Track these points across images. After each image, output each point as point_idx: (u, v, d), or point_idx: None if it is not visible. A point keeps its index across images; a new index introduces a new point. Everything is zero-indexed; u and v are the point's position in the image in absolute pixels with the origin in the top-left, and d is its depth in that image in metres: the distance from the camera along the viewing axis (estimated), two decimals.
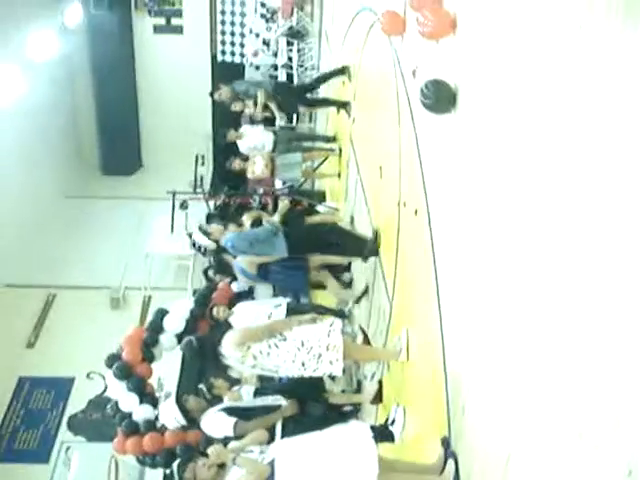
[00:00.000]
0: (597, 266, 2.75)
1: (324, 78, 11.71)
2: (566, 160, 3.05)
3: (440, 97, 4.77)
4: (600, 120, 2.75)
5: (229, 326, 7.98)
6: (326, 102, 12.07)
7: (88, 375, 12.23)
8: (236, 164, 10.64)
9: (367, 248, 7.61)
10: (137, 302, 16.13)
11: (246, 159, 10.61)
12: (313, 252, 7.89)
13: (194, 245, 10.61)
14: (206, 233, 8.63)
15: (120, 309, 15.99)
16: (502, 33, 3.94)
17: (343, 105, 10.65)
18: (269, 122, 11.79)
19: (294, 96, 11.55)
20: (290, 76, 15.84)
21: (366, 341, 7.05)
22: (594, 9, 2.82)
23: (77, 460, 11.46)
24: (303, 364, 5.27)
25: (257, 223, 8.35)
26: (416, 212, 5.73)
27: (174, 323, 8.35)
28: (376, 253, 7.51)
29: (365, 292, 8.06)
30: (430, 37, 5.03)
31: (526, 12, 3.58)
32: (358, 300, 8.20)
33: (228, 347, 5.40)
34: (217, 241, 8.32)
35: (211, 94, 11.69)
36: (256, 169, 10.29)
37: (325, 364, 5.26)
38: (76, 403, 13.64)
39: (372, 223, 7.91)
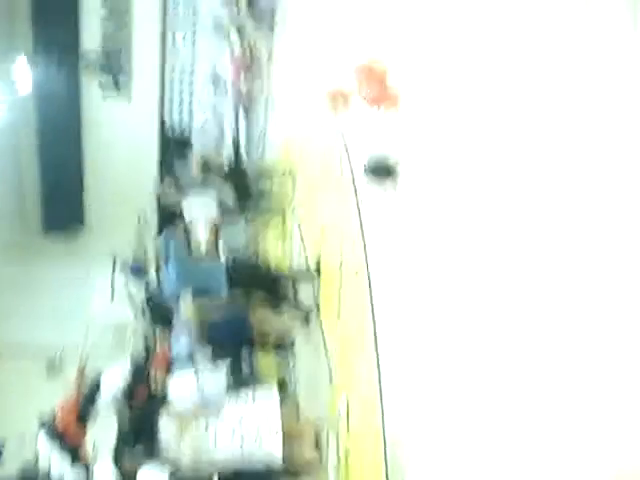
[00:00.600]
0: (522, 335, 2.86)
1: None
2: (499, 229, 3.19)
3: (380, 168, 4.95)
4: (527, 186, 2.91)
5: (164, 399, 7.96)
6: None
7: (20, 438, 11.87)
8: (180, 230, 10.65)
9: (308, 275, 7.77)
10: (74, 367, 15.74)
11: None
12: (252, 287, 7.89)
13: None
14: None
15: (56, 372, 15.62)
16: (443, 109, 4.13)
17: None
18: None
19: None
20: (237, 142, 16.01)
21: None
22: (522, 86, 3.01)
23: None
24: (241, 446, 5.25)
25: None
26: (357, 273, 5.83)
27: (111, 387, 8.21)
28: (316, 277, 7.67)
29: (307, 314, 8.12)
30: (373, 107, 5.19)
31: (466, 85, 3.78)
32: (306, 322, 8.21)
33: (165, 434, 5.32)
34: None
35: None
36: (200, 236, 10.28)
37: (265, 445, 5.24)
38: (7, 467, 13.17)
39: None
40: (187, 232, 9.83)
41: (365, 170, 5.07)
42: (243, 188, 12.22)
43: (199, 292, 7.35)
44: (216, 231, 10.63)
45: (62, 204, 20.79)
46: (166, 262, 7.51)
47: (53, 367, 15.81)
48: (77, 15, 19.62)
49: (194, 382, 7.98)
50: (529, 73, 3.04)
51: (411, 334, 4.45)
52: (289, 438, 5.34)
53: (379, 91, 5.03)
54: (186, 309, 7.86)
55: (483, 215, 3.38)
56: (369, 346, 5.26)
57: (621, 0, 2.26)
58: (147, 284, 10.21)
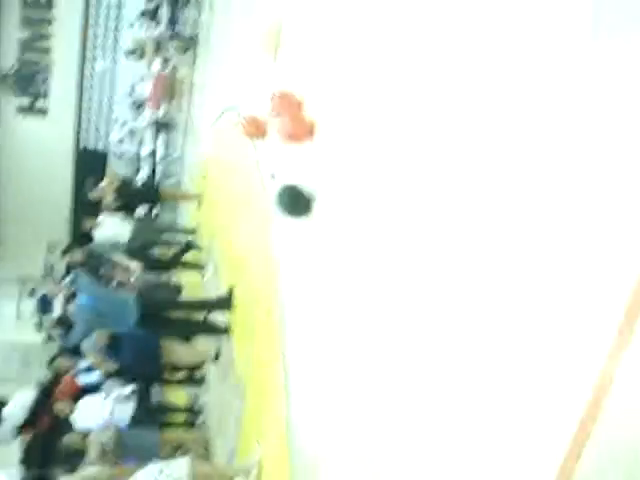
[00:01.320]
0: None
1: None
2: (419, 261, 3.18)
3: (294, 202, 4.90)
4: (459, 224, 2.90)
5: (69, 426, 7.70)
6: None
7: None
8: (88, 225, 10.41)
9: (223, 302, 7.66)
10: None
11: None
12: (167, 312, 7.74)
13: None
14: None
15: None
16: (359, 143, 4.11)
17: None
18: (130, 211, 11.61)
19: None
20: (154, 167, 15.83)
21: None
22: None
23: None
24: None
25: None
26: (269, 312, 5.76)
27: (14, 414, 7.94)
28: (229, 307, 7.55)
29: (216, 357, 7.98)
30: (289, 141, 5.17)
31: (380, 122, 3.78)
32: (216, 358, 8.06)
33: None
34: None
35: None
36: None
37: None
38: None
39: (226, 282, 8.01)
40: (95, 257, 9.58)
41: (278, 200, 5.01)
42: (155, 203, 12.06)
43: (109, 322, 7.13)
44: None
45: None
46: (74, 294, 7.28)
47: None
48: None
49: (102, 411, 7.78)
50: (454, 101, 3.04)
51: (325, 379, 4.40)
52: None
53: (295, 122, 5.00)
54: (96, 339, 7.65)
55: (401, 247, 3.36)
56: (279, 388, 5.20)
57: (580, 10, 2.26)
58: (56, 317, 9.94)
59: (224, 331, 7.64)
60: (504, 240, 2.55)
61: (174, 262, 11.14)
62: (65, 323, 8.95)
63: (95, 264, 9.33)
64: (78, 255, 9.41)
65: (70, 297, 7.25)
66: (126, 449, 7.55)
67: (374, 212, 3.78)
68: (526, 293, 2.40)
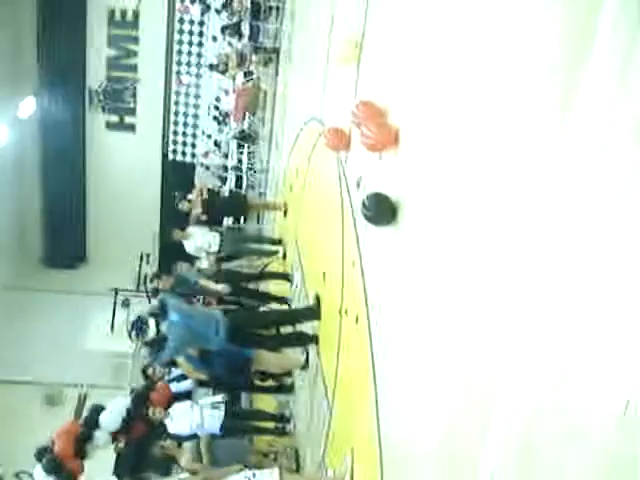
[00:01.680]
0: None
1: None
2: (504, 270, 3.16)
3: (380, 210, 4.91)
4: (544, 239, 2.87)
5: (162, 432, 7.89)
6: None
7: (17, 475, 11.75)
8: (183, 268, 10.62)
9: (311, 312, 7.72)
10: (72, 399, 15.73)
11: (192, 263, 10.62)
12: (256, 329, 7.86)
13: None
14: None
15: (55, 406, 15.56)
16: (443, 150, 4.10)
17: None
18: (216, 224, 11.86)
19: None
20: (239, 178, 16.11)
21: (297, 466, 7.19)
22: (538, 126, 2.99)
23: None
24: None
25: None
26: (357, 320, 5.79)
27: (110, 420, 8.17)
28: (317, 317, 7.60)
29: (306, 359, 8.06)
30: (373, 150, 5.19)
31: (465, 129, 3.76)
32: (304, 367, 8.13)
33: None
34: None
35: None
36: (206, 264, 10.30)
37: None
38: None
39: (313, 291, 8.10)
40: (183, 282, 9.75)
41: (364, 208, 5.03)
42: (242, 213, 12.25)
43: (200, 338, 7.27)
44: (219, 264, 10.61)
45: (64, 241, 20.91)
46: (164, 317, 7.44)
47: (52, 401, 15.73)
48: (84, 54, 19.78)
49: (194, 418, 7.96)
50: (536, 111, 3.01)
51: (410, 384, 4.40)
52: None
53: (379, 129, 5.00)
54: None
55: (487, 257, 3.34)
56: (368, 394, 5.21)
57: None
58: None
59: (312, 340, 7.71)
60: (590, 240, 2.52)
61: (261, 276, 11.34)
62: (157, 343, 9.20)
63: (183, 289, 9.49)
64: (166, 282, 9.59)
65: (160, 317, 7.43)
66: (217, 456, 7.71)
67: (460, 218, 3.76)
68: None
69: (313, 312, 7.70)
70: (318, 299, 7.72)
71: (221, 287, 9.68)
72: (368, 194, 5.01)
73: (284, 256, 11.13)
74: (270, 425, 9.26)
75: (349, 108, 5.66)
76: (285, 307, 9.72)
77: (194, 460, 7.77)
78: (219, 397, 8.46)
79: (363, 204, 5.01)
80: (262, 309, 9.98)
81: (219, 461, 7.73)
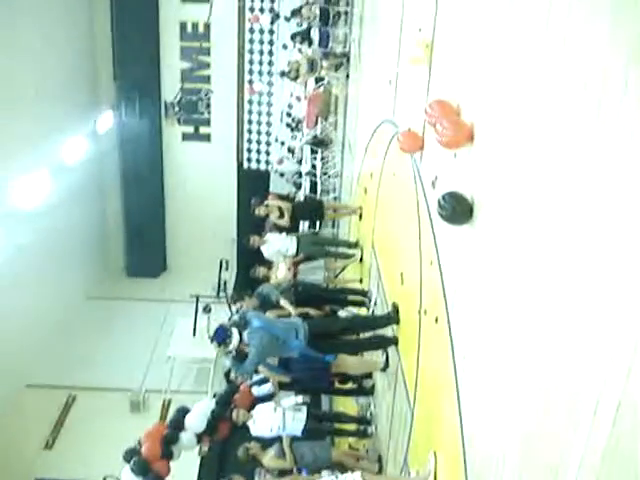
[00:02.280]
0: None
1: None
2: (581, 269, 3.13)
3: (457, 209, 4.90)
4: (616, 230, 2.84)
5: (245, 435, 8.03)
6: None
7: (104, 479, 12.07)
8: (260, 272, 10.78)
9: (389, 319, 7.74)
10: (157, 405, 16.08)
11: (270, 267, 10.73)
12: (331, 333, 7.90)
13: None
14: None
15: (140, 412, 15.93)
16: (519, 146, 4.08)
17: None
18: (292, 229, 11.97)
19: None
20: (314, 184, 16.21)
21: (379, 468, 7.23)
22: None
23: None
24: None
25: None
26: (437, 320, 5.78)
27: (195, 422, 8.35)
28: (397, 322, 7.62)
29: (386, 360, 8.09)
30: (448, 146, 5.17)
31: (541, 123, 3.74)
32: (385, 367, 8.16)
33: None
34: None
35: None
36: (279, 274, 10.40)
37: None
38: None
39: (389, 299, 8.11)
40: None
41: (440, 209, 5.03)
42: (319, 218, 12.32)
43: (281, 345, 7.34)
44: (295, 267, 10.70)
45: (146, 251, 21.41)
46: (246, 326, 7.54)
47: (137, 407, 16.09)
48: (158, 68, 20.22)
49: (276, 420, 8.06)
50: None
51: (493, 384, 4.37)
52: None
53: (453, 126, 4.99)
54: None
55: (567, 255, 3.31)
56: (450, 394, 5.20)
57: None
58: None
59: (392, 342, 7.72)
60: None
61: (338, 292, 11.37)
62: (240, 354, 9.32)
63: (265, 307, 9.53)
64: (249, 302, 9.62)
65: (242, 327, 7.54)
66: (300, 456, 7.79)
67: (535, 215, 3.73)
68: None
69: (391, 318, 7.71)
70: (396, 307, 7.71)
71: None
72: (444, 193, 5.01)
73: (361, 259, 11.16)
74: (352, 427, 9.30)
75: (422, 109, 5.66)
76: (364, 313, 9.74)
77: (278, 463, 7.87)
78: (300, 399, 8.54)
79: (439, 203, 5.01)
80: (342, 315, 10.00)
81: (302, 461, 7.81)
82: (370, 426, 8.88)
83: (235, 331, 7.14)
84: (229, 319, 10.40)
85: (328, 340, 7.65)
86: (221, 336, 7.27)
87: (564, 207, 3.39)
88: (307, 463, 7.66)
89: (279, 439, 8.05)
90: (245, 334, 7.12)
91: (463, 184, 5.07)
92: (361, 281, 11.11)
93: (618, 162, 2.87)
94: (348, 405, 10.15)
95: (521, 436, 3.82)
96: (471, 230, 4.94)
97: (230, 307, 12.37)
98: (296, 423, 8.15)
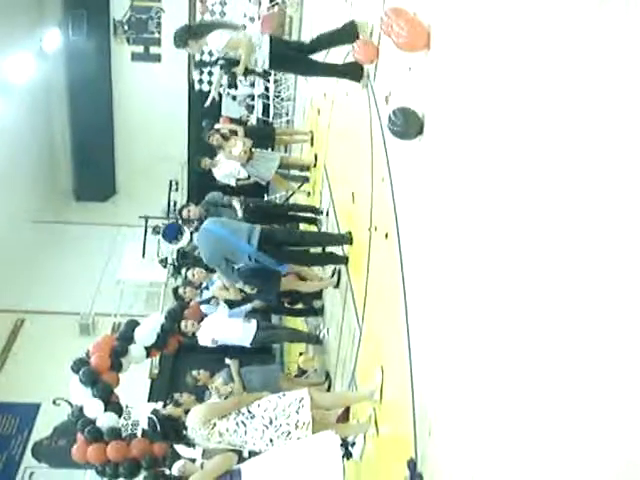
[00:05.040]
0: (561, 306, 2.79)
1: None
2: (533, 185, 3.10)
3: (407, 124, 4.84)
4: (577, 145, 2.80)
5: (195, 351, 8.02)
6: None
7: (54, 402, 12.04)
8: (207, 163, 10.52)
9: (344, 237, 7.68)
10: (107, 329, 15.99)
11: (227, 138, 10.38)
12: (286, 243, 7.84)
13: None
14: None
15: (89, 335, 15.82)
16: (475, 56, 4.00)
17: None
18: None
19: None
20: (266, 106, 15.96)
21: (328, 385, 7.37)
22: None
23: None
24: (271, 440, 5.13)
25: None
26: (386, 236, 5.77)
27: (145, 335, 8.36)
28: (350, 242, 7.53)
29: (338, 278, 8.10)
30: (404, 47, 5.01)
31: (498, 36, 3.65)
32: (337, 284, 8.17)
33: (193, 424, 5.26)
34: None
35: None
36: (234, 151, 10.11)
37: (294, 441, 5.09)
38: (41, 429, 13.43)
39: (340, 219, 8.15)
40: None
41: (390, 124, 4.96)
42: (270, 144, 12.13)
43: (232, 245, 7.23)
44: (251, 153, 10.34)
45: (94, 174, 20.99)
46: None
47: (87, 329, 16.03)
48: None
49: (224, 328, 8.06)
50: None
51: (440, 298, 4.39)
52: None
53: (410, 25, 4.82)
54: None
55: (519, 171, 3.28)
56: (398, 308, 5.22)
57: None
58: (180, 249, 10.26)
59: (343, 261, 7.71)
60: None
61: (289, 208, 11.29)
62: (187, 257, 9.24)
63: (214, 214, 9.39)
64: (196, 211, 9.50)
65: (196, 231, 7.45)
66: (248, 382, 7.83)
67: (485, 130, 3.68)
68: None
69: (345, 237, 7.65)
70: (349, 233, 7.65)
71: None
72: (394, 108, 4.94)
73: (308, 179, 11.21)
74: (303, 332, 9.34)
75: (377, 18, 5.54)
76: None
77: (226, 385, 7.91)
78: (249, 306, 8.46)
79: (389, 119, 4.94)
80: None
81: (250, 387, 7.85)
82: (322, 332, 8.87)
83: (187, 230, 7.03)
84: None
85: (280, 249, 7.56)
86: (173, 233, 7.17)
87: (515, 123, 3.34)
88: (255, 388, 7.69)
89: (227, 368, 8.06)
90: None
91: (416, 99, 5.00)
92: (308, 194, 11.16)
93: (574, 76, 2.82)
94: (298, 324, 10.22)
95: (466, 349, 3.85)
96: (421, 146, 4.90)
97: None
98: (245, 332, 8.15)
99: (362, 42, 6.56)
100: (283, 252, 7.60)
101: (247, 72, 8.35)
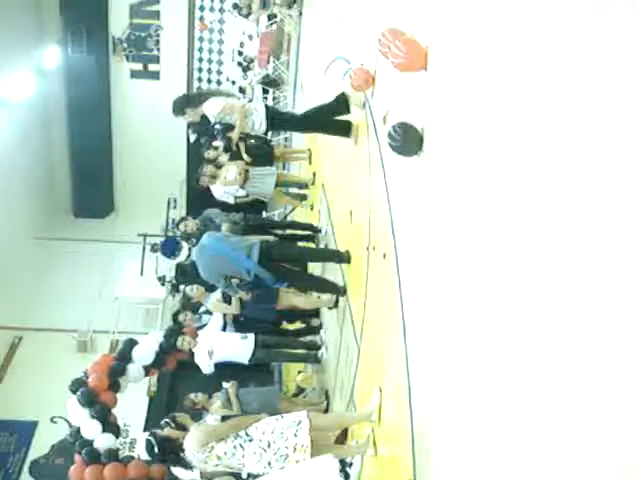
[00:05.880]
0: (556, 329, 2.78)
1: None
2: (534, 204, 3.09)
3: (407, 139, 4.83)
4: (569, 169, 2.80)
5: (193, 371, 7.99)
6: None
7: (52, 419, 12.02)
8: (208, 170, 10.44)
9: (341, 255, 7.66)
10: (105, 346, 15.95)
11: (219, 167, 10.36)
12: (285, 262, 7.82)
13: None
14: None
15: (87, 352, 15.79)
16: (473, 73, 4.00)
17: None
18: None
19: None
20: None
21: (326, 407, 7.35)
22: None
23: None
24: (269, 463, 5.08)
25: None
26: (384, 256, 5.76)
27: (143, 354, 8.32)
28: (348, 261, 7.52)
29: (336, 300, 8.05)
30: (403, 68, 5.01)
31: (496, 52, 3.66)
32: (335, 305, 8.15)
33: (190, 447, 5.23)
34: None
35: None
36: (229, 175, 10.09)
37: (292, 464, 5.03)
38: (39, 447, 13.37)
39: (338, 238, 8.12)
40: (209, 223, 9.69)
41: (390, 140, 4.96)
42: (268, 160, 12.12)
43: (231, 263, 7.23)
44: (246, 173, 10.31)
45: (93, 191, 20.98)
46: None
47: (84, 347, 15.98)
48: (107, 3, 19.64)
49: (222, 345, 8.02)
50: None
51: (439, 318, 4.37)
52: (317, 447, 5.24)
53: (408, 46, 4.82)
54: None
55: (519, 187, 3.27)
56: (396, 328, 5.21)
57: None
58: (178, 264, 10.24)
59: (342, 292, 7.68)
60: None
61: (287, 226, 11.27)
62: (186, 274, 9.22)
63: (214, 229, 9.38)
64: (193, 225, 9.50)
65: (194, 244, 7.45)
66: (246, 404, 7.78)
67: (489, 148, 3.68)
68: None
69: (342, 256, 7.64)
70: (348, 253, 7.64)
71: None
72: (394, 124, 4.93)
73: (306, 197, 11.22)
74: (301, 352, 9.29)
75: (374, 44, 5.54)
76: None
77: (224, 409, 7.85)
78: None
79: (389, 134, 4.94)
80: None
81: (249, 409, 7.80)
82: (320, 351, 8.83)
83: (186, 245, 7.02)
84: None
85: (280, 265, 7.54)
86: (171, 248, 7.17)
87: (513, 138, 3.35)
88: (254, 410, 7.64)
89: (225, 390, 8.01)
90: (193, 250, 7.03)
91: (414, 116, 5.00)
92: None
93: (578, 96, 2.82)
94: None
95: (465, 369, 3.83)
96: (420, 163, 4.90)
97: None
98: (243, 348, 8.12)
99: (359, 69, 6.61)
100: (282, 269, 7.59)
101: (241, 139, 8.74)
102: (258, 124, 7.59)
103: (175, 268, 10.22)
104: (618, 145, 2.44)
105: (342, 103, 7.37)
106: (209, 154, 10.53)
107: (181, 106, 7.55)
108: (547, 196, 2.94)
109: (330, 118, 7.69)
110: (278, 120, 7.70)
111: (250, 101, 16.62)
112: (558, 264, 2.81)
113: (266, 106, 7.40)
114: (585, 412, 2.55)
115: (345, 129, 7.49)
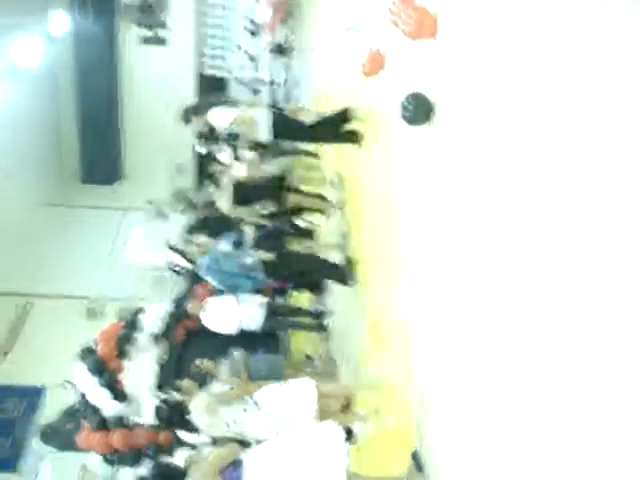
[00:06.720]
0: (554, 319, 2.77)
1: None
2: (543, 179, 3.07)
3: (419, 108, 4.80)
4: (581, 140, 2.77)
5: (203, 338, 8.00)
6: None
7: (63, 384, 12.09)
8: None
9: (343, 273, 7.61)
10: (114, 313, 15.97)
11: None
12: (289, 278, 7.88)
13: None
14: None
15: (96, 319, 15.84)
16: (483, 42, 3.95)
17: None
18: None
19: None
20: (274, 92, 15.92)
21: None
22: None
23: (47, 470, 11.33)
24: (275, 430, 5.11)
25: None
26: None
27: (151, 322, 8.35)
28: (351, 277, 7.46)
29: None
30: (413, 35, 4.97)
31: (508, 23, 3.61)
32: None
33: (197, 412, 5.27)
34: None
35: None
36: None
37: (298, 431, 4.97)
38: (48, 413, 13.47)
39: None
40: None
41: (403, 110, 4.92)
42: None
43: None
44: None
45: (102, 157, 20.91)
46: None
47: (94, 314, 16.03)
48: None
49: (231, 313, 8.05)
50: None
51: (447, 295, 4.38)
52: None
53: (417, 12, 4.79)
54: None
55: (530, 158, 3.24)
56: (405, 291, 5.22)
57: None
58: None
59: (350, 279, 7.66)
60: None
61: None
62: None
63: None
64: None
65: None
66: (254, 372, 7.81)
67: (497, 117, 3.65)
68: None
69: (344, 273, 7.60)
70: (349, 261, 7.62)
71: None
72: (407, 95, 4.90)
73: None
74: (308, 320, 9.30)
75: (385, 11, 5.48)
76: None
77: (232, 376, 7.87)
78: (260, 299, 8.45)
79: (402, 105, 4.91)
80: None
81: (256, 376, 7.83)
82: (326, 319, 8.83)
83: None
84: None
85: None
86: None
87: (521, 106, 3.31)
88: (262, 377, 7.68)
89: (233, 357, 8.02)
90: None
91: (425, 86, 4.96)
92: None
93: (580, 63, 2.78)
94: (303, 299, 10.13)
95: (470, 347, 3.85)
96: (430, 132, 4.87)
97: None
98: (253, 318, 8.15)
99: (370, 57, 6.63)
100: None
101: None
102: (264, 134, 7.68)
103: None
104: (622, 128, 2.42)
105: (345, 115, 7.53)
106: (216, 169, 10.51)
107: (188, 114, 7.71)
108: (556, 179, 2.92)
109: (337, 129, 7.71)
110: (284, 128, 7.72)
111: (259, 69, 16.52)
112: (562, 256, 2.83)
113: (274, 114, 7.41)
114: (585, 409, 2.56)
115: (354, 138, 7.56)
